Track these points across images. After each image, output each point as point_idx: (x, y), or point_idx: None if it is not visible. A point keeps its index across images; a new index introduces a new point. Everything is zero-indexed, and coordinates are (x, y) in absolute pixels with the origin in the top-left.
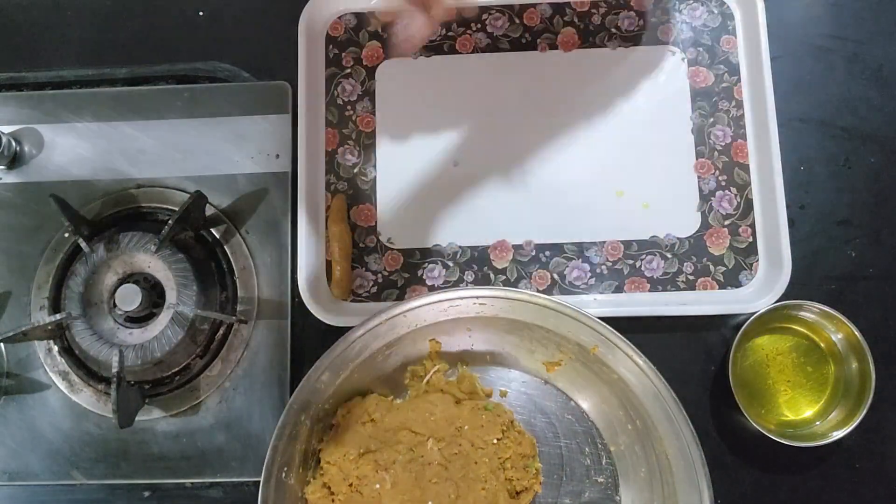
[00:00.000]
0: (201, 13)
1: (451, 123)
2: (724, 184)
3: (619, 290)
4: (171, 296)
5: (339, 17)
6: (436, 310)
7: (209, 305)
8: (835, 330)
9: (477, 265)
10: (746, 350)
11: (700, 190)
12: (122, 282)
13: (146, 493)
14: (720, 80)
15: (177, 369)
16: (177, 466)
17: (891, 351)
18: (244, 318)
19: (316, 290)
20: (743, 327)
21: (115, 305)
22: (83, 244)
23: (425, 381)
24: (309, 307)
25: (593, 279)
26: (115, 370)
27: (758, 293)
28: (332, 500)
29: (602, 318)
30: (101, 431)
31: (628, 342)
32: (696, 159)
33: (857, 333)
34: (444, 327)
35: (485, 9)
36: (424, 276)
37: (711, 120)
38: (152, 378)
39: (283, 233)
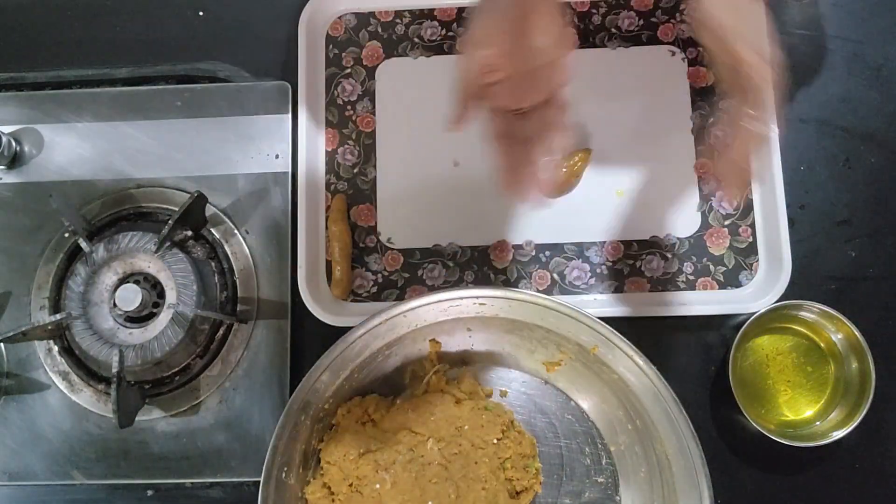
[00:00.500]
0: (201, 13)
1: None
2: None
3: (619, 290)
4: (171, 296)
5: (339, 17)
6: (436, 310)
7: (209, 305)
8: (835, 330)
9: (477, 265)
10: (746, 350)
11: (700, 190)
12: (122, 282)
13: (149, 493)
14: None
15: (177, 369)
16: (177, 466)
17: (891, 351)
18: (244, 318)
19: (316, 290)
20: (743, 327)
21: (115, 305)
22: (83, 244)
23: (425, 381)
24: (309, 307)
25: (593, 279)
26: (115, 370)
27: (758, 293)
28: (332, 500)
29: (602, 318)
30: (101, 431)
31: (628, 342)
32: (696, 159)
33: (857, 333)
34: (444, 327)
35: None
36: (424, 276)
37: (711, 120)
38: (152, 378)
39: (283, 233)
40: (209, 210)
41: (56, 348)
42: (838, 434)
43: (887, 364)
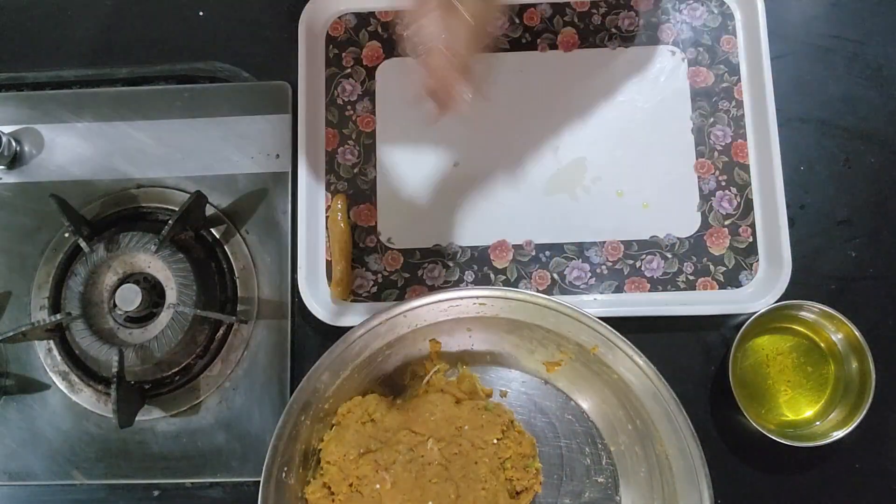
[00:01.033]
0: (201, 13)
1: (451, 123)
2: (724, 184)
3: (619, 290)
4: (171, 296)
5: (339, 17)
6: (436, 310)
7: (209, 305)
8: (835, 330)
9: (477, 265)
10: (746, 350)
11: (700, 190)
12: (122, 282)
13: (156, 493)
14: (720, 80)
15: (177, 369)
16: (177, 466)
17: (891, 351)
18: (244, 318)
19: (316, 290)
20: (743, 327)
21: (115, 305)
22: (83, 244)
23: (425, 381)
24: (309, 307)
25: (593, 279)
26: (115, 370)
27: (758, 293)
28: (332, 500)
29: (602, 318)
30: (101, 431)
31: (628, 342)
32: (696, 159)
33: (857, 333)
34: (444, 327)
35: None
36: (424, 276)
37: (711, 120)
38: (152, 378)
39: (283, 233)
40: (209, 210)
41: (56, 348)
42: (838, 434)
43: (887, 364)
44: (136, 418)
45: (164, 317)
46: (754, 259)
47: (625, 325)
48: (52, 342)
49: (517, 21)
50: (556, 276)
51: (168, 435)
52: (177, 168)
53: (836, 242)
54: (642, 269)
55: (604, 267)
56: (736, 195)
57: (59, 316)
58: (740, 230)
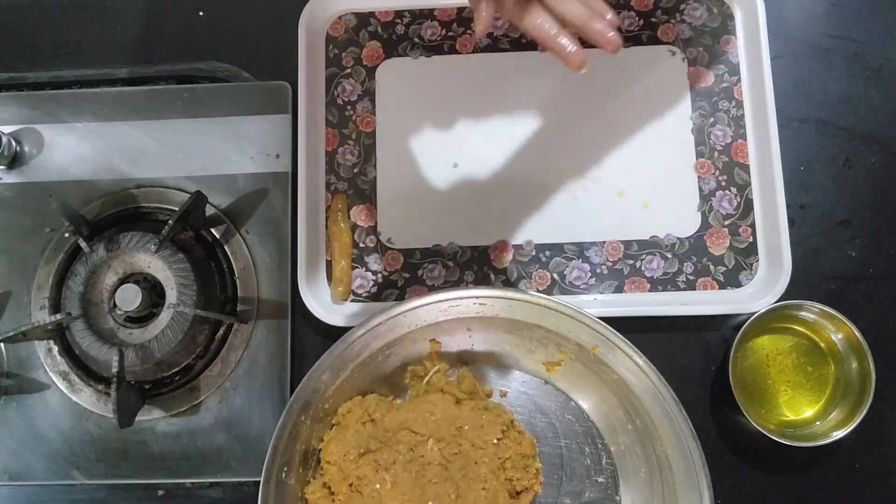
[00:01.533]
0: (201, 13)
1: (451, 123)
2: (724, 184)
3: (619, 290)
4: (171, 296)
5: (339, 17)
6: (436, 310)
7: (209, 305)
8: (835, 330)
9: (477, 265)
10: (746, 350)
11: (700, 190)
12: (122, 282)
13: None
14: (720, 80)
15: (177, 369)
16: (177, 466)
17: (891, 351)
18: (244, 318)
19: (316, 290)
20: (743, 327)
21: (115, 305)
22: (83, 244)
23: (425, 381)
24: (309, 307)
25: (593, 279)
26: (115, 370)
27: (758, 293)
28: (332, 500)
29: (602, 318)
30: (101, 431)
31: (628, 342)
32: (696, 159)
33: (857, 333)
34: (444, 327)
35: None
36: (424, 276)
37: (711, 120)
38: (152, 378)
39: (283, 233)
40: (209, 210)
41: (56, 348)
42: (838, 434)
43: (887, 364)
44: (136, 418)
45: (164, 317)
46: (754, 259)
47: (625, 325)
48: (52, 342)
49: None
50: (556, 276)
51: (168, 435)
52: (177, 168)
53: (836, 242)
54: (642, 269)
55: (604, 267)
56: (736, 195)
57: (59, 316)
58: (740, 230)
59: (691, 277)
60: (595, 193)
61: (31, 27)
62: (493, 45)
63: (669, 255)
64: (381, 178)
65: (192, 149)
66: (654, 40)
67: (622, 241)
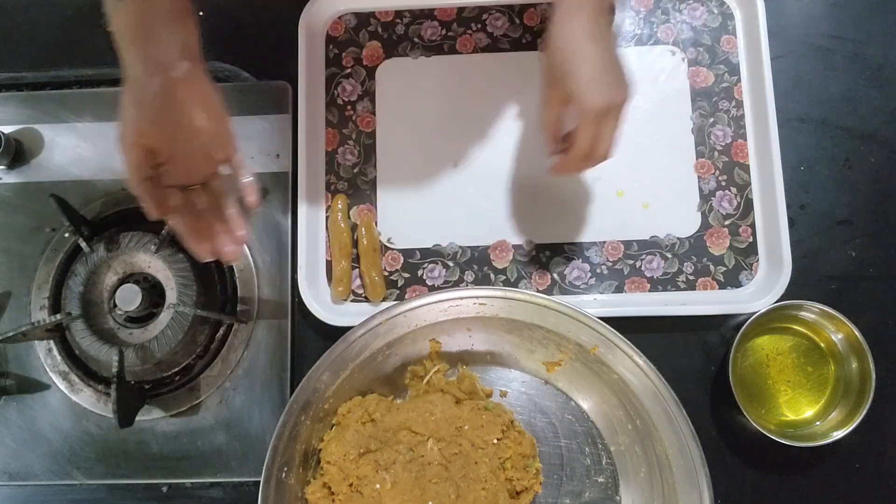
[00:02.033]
0: (201, 13)
1: (451, 123)
2: (724, 184)
3: (619, 290)
4: (171, 296)
5: (339, 17)
6: (436, 310)
7: (209, 305)
8: (835, 330)
9: (477, 265)
10: (746, 350)
11: (700, 190)
12: (122, 282)
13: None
14: (720, 80)
15: (177, 369)
16: (177, 466)
17: (891, 351)
18: (244, 318)
19: (316, 290)
20: (743, 327)
21: (115, 305)
22: (83, 244)
23: (425, 381)
24: (309, 307)
25: (593, 279)
26: (115, 370)
27: (758, 293)
28: (333, 500)
29: (602, 318)
30: (101, 431)
31: (628, 342)
32: (696, 159)
33: (857, 333)
34: (444, 327)
35: (485, 9)
36: (424, 276)
37: (711, 120)
38: (152, 378)
39: (283, 233)
40: None
41: (56, 348)
42: (838, 434)
43: (887, 364)
44: (136, 418)
45: (164, 317)
46: (754, 259)
47: (625, 325)
48: (52, 342)
49: (517, 21)
50: (556, 276)
51: (168, 435)
52: None
53: (836, 242)
54: (642, 269)
55: (604, 267)
56: (736, 195)
57: (59, 316)
58: (740, 230)
59: (691, 277)
60: (595, 193)
61: (31, 27)
62: (493, 45)
63: (669, 255)
64: (381, 178)
65: None
66: (654, 40)
67: (622, 241)
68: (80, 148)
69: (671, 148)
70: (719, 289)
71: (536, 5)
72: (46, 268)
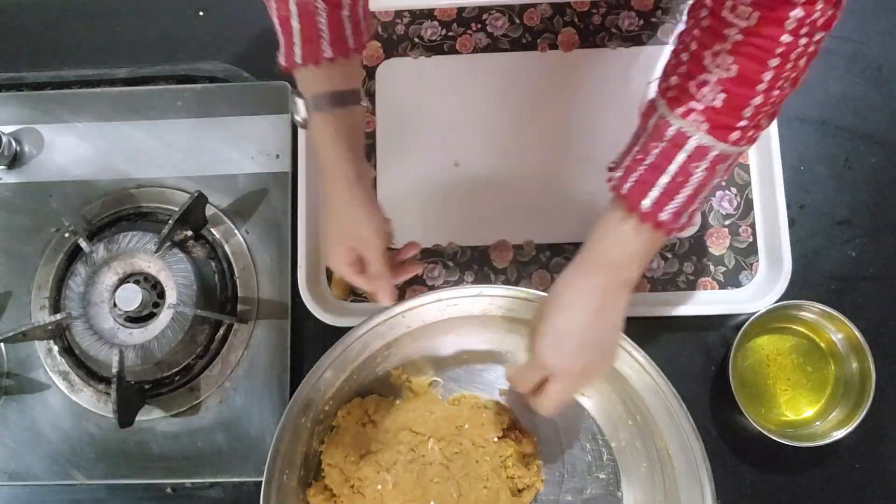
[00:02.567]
0: (201, 13)
1: (451, 123)
2: (724, 184)
3: None
4: (171, 296)
5: None
6: (435, 309)
7: (209, 305)
8: (835, 330)
9: (477, 265)
10: (746, 350)
11: None
12: (122, 282)
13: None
14: None
15: (177, 369)
16: (177, 466)
17: (891, 351)
18: (244, 318)
19: (316, 290)
20: (743, 327)
21: (115, 305)
22: (83, 244)
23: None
24: (309, 307)
25: None
26: (115, 370)
27: (758, 293)
28: (335, 502)
29: None
30: (101, 431)
31: (627, 339)
32: None
33: (857, 333)
34: (444, 327)
35: (485, 9)
36: (424, 276)
37: None
38: (152, 378)
39: (283, 233)
40: (209, 210)
41: (56, 348)
42: (838, 434)
43: (887, 364)
44: (136, 418)
45: (164, 317)
46: (754, 259)
47: (625, 325)
48: (52, 342)
49: (517, 21)
50: (555, 276)
51: (168, 435)
52: (177, 168)
53: (836, 242)
54: None
55: None
56: (736, 195)
57: (59, 316)
58: (740, 230)
59: (691, 277)
60: (595, 193)
61: (31, 27)
62: (493, 45)
63: (669, 255)
64: (381, 178)
65: (192, 149)
66: (654, 40)
67: None
68: (80, 148)
69: None
70: (719, 289)
71: (536, 5)
72: (46, 268)
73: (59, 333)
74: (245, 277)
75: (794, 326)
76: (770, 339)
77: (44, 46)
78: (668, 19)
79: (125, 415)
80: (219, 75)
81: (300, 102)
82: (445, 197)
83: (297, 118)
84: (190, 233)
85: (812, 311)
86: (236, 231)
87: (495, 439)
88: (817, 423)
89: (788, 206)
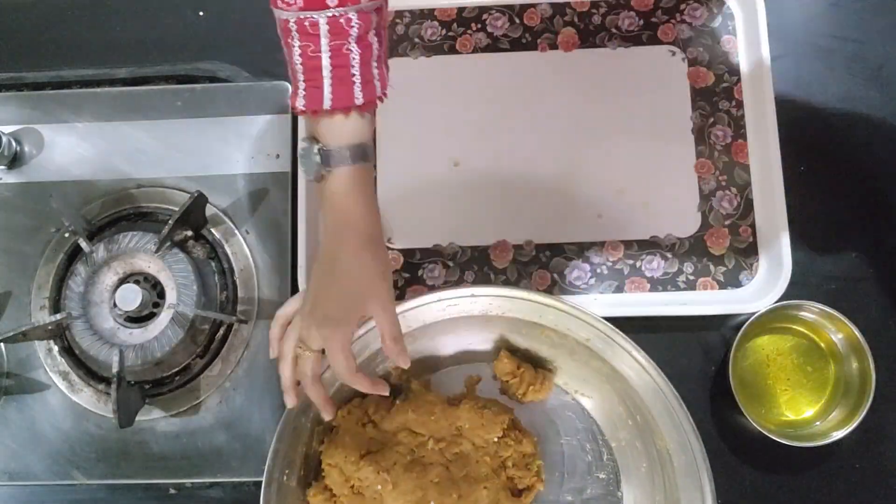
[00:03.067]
0: (201, 13)
1: (451, 123)
2: (724, 184)
3: (619, 290)
4: (171, 296)
5: None
6: (435, 309)
7: (209, 305)
8: (835, 330)
9: (477, 265)
10: (746, 350)
11: (700, 190)
12: (122, 282)
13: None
14: (720, 80)
15: (177, 369)
16: (177, 466)
17: (891, 351)
18: (244, 318)
19: None
20: (743, 327)
21: (115, 305)
22: (83, 244)
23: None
24: None
25: (593, 279)
26: (115, 370)
27: (758, 293)
28: (334, 503)
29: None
30: (101, 431)
31: (627, 338)
32: (696, 159)
33: (857, 333)
34: (444, 327)
35: (485, 9)
36: (424, 276)
37: (711, 120)
38: (152, 378)
39: (283, 233)
40: (209, 210)
41: (56, 348)
42: (838, 434)
43: (887, 364)
44: (136, 418)
45: (164, 317)
46: (754, 259)
47: (625, 325)
48: (52, 342)
49: (517, 21)
50: (556, 276)
51: (168, 435)
52: (177, 168)
53: (836, 243)
54: (642, 269)
55: (604, 267)
56: (736, 195)
57: (59, 316)
58: (740, 230)
59: (691, 277)
60: (595, 193)
61: (31, 27)
62: (493, 45)
63: (669, 255)
64: (381, 178)
65: (192, 149)
66: (655, 40)
67: (622, 241)
68: (80, 148)
69: (671, 148)
70: (719, 289)
71: (536, 5)
72: (46, 268)
73: (59, 333)
74: (245, 277)
75: (794, 326)
76: (770, 339)
77: (44, 46)
78: (668, 19)
79: (125, 415)
80: (219, 75)
81: (315, 151)
82: (445, 197)
83: (309, 170)
84: (190, 233)
85: (812, 312)
86: (236, 231)
87: (495, 440)
88: (817, 423)
89: (788, 206)
